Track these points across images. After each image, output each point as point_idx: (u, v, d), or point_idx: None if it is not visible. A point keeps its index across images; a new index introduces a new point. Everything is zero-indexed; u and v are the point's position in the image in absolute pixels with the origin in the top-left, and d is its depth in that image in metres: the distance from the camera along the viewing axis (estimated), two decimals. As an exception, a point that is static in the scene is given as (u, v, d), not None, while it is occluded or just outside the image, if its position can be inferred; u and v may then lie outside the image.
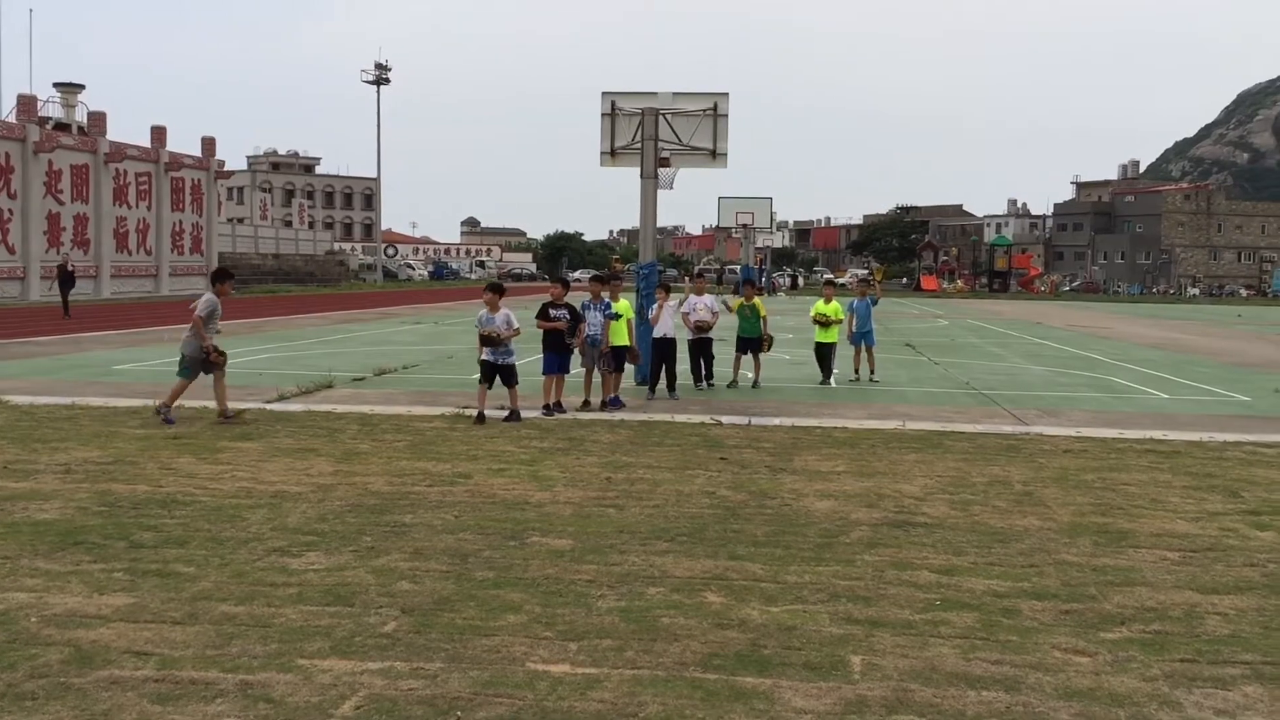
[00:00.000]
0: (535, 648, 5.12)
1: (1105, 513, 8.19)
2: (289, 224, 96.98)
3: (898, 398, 15.72)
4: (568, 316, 13.32)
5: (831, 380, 17.06)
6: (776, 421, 12.71)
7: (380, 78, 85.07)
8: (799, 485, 9.03)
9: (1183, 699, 4.67)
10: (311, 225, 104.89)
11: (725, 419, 12.79)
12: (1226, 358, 24.84)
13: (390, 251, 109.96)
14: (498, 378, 12.61)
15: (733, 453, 10.55)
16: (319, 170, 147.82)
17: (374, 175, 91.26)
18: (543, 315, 13.42)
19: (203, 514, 7.63)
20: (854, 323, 17.70)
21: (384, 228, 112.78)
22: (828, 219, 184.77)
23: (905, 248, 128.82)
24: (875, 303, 18.44)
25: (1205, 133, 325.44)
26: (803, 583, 6.24)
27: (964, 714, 4.47)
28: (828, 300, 17.53)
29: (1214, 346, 28.77)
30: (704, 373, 16.14)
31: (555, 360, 13.31)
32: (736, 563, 6.64)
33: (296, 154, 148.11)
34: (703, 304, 15.72)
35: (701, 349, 16.08)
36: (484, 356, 12.66)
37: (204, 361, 12.22)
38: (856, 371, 17.73)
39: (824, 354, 17.27)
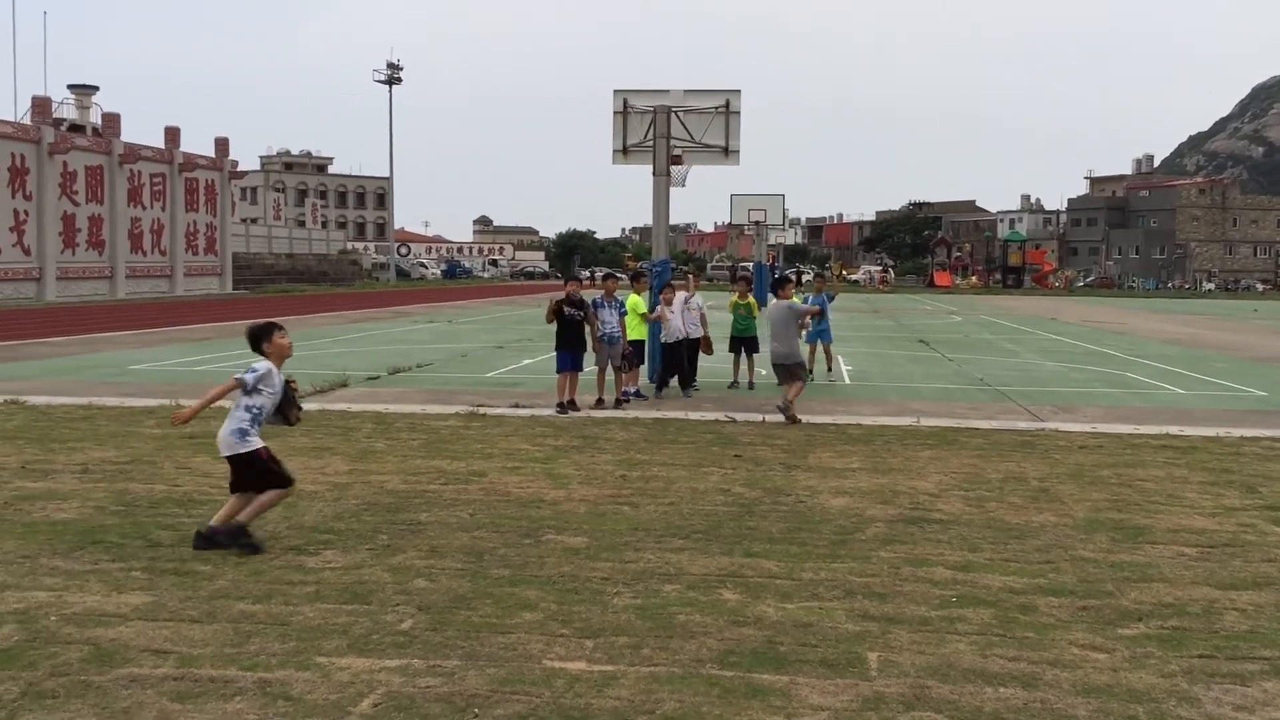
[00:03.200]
0: (551, 645, 5.12)
1: (1122, 509, 8.16)
2: (302, 224, 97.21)
3: (912, 394, 15.67)
4: (581, 315, 13.37)
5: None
6: (790, 418, 12.68)
7: (392, 77, 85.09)
8: (814, 482, 9.02)
9: (1201, 695, 4.65)
10: (324, 225, 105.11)
11: (739, 416, 12.78)
12: (1242, 352, 24.71)
13: (403, 250, 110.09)
14: None
15: (747, 450, 10.54)
16: (331, 170, 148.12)
17: (386, 174, 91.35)
18: (557, 313, 13.46)
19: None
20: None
21: (397, 227, 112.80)
22: (840, 215, 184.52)
23: (918, 244, 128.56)
24: (832, 299, 18.00)
25: (1220, 126, 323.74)
26: (819, 579, 6.23)
27: (982, 711, 4.46)
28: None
29: (1230, 341, 28.62)
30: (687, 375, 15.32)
31: (569, 358, 13.32)
32: (752, 560, 6.63)
33: (309, 154, 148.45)
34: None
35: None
36: None
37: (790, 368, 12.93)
38: (811, 370, 16.98)
39: None
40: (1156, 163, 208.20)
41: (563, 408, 13.02)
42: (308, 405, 13.26)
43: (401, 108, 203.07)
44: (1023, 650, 5.14)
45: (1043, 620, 5.58)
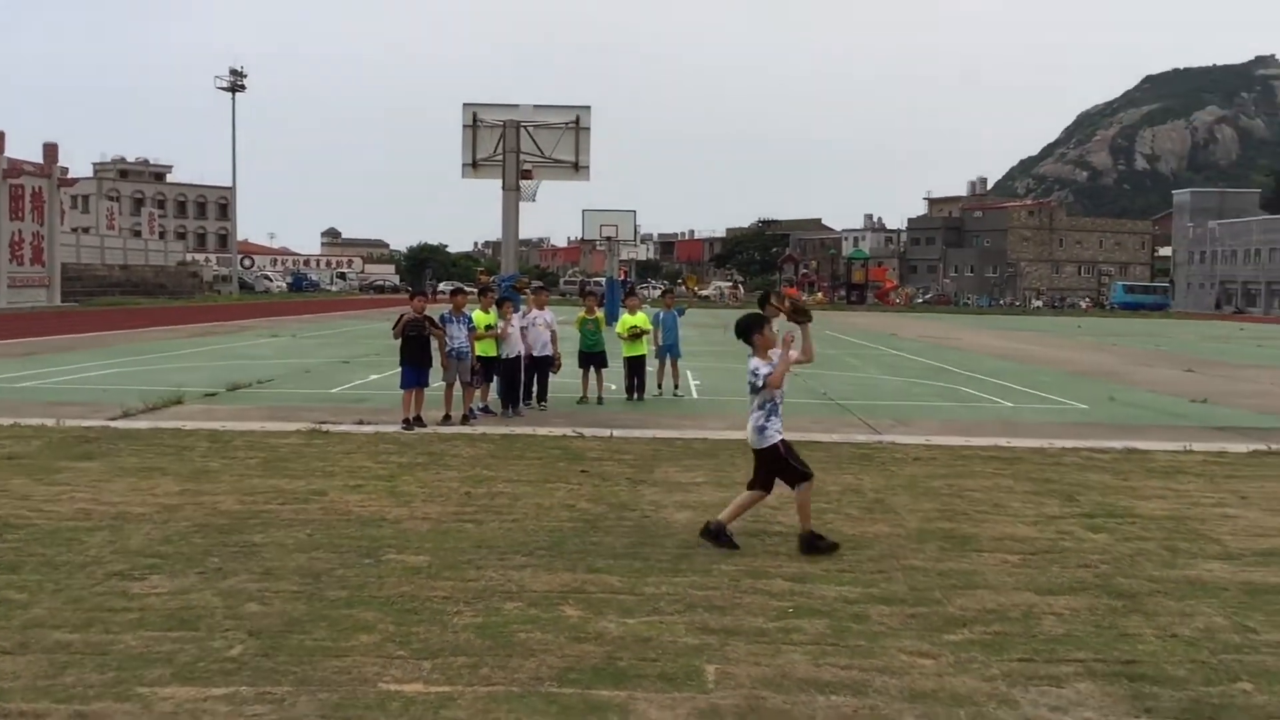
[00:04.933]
0: (388, 667, 5.03)
1: (951, 518, 8.48)
2: (138, 234, 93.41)
3: (757, 408, 15.93)
4: (427, 330, 13.20)
5: (645, 395, 16.49)
6: (638, 433, 12.78)
7: (235, 84, 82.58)
8: (659, 496, 9.10)
9: (1020, 697, 4.86)
10: (162, 235, 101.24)
11: (587, 431, 12.80)
12: (1066, 366, 26.02)
13: (246, 262, 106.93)
14: None
15: (594, 465, 10.56)
16: (170, 179, 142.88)
17: (229, 184, 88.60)
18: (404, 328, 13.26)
19: (37, 538, 7.27)
20: (659, 335, 17.02)
21: (240, 238, 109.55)
22: (691, 232, 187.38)
23: (767, 260, 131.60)
24: (682, 313, 18.01)
25: (1048, 151, 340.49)
26: (660, 594, 6.29)
27: (813, 719, 4.56)
28: (633, 312, 16.84)
29: (1056, 356, 30.10)
30: (537, 391, 15.23)
31: (414, 374, 13.13)
32: (595, 575, 6.65)
33: (146, 161, 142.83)
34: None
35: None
36: None
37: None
38: (660, 385, 17.14)
39: (633, 367, 16.49)
40: (990, 185, 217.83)
41: (408, 424, 12.82)
42: (139, 424, 12.74)
43: (247, 116, 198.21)
44: (854, 659, 5.28)
45: (874, 629, 5.75)
